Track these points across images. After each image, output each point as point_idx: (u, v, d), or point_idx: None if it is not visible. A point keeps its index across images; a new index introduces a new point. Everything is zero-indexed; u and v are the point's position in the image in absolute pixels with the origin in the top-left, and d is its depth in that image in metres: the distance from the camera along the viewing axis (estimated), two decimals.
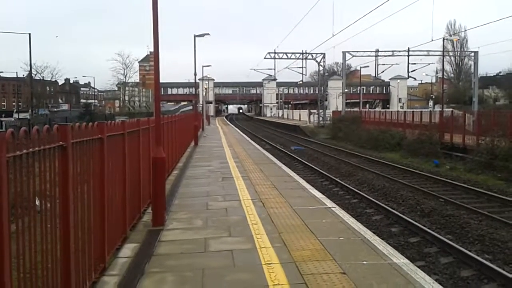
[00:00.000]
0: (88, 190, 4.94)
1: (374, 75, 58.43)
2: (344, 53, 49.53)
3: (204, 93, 66.97)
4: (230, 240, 6.72)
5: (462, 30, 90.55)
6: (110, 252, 5.85)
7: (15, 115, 58.12)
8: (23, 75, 70.88)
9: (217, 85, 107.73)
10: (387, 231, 10.62)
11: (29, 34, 43.69)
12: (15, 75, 71.87)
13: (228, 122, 71.58)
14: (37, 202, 3.62)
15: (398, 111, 42.08)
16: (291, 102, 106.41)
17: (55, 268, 3.86)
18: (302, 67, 56.94)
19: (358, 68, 69.14)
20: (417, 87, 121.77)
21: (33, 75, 59.36)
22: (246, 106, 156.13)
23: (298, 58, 55.68)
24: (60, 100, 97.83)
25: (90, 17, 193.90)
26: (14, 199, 3.18)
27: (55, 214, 3.92)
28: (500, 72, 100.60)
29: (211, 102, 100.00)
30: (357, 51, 51.00)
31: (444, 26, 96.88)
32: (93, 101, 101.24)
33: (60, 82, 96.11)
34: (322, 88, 58.32)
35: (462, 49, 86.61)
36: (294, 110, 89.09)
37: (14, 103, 79.59)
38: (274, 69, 58.76)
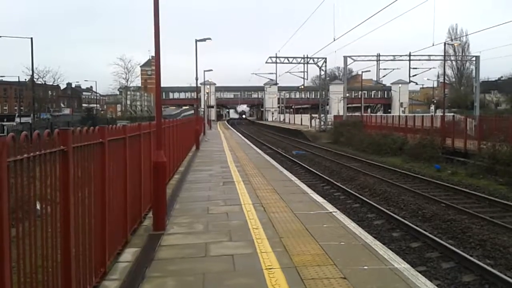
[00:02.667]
0: (89, 194, 4.95)
1: (375, 79, 58.30)
2: (345, 57, 49.52)
3: (205, 98, 67.02)
4: (231, 245, 6.72)
5: (464, 34, 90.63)
6: (111, 256, 5.85)
7: (17, 120, 58.16)
8: (25, 79, 71.15)
9: (219, 89, 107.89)
10: (389, 236, 10.60)
11: (31, 38, 43.72)
12: (17, 80, 72.05)
13: (230, 127, 71.66)
14: (38, 207, 3.63)
15: (399, 115, 42.05)
16: (293, 107, 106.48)
17: (56, 272, 3.86)
18: (304, 72, 56.91)
19: (360, 72, 69.02)
20: (418, 91, 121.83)
21: (35, 79, 59.49)
22: (248, 109, 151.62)
23: (299, 63, 55.68)
24: (62, 105, 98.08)
25: (91, 21, 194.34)
26: (14, 203, 3.19)
27: (55, 219, 3.93)
28: (501, 77, 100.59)
29: (212, 107, 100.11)
30: (359, 56, 50.99)
31: (445, 31, 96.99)
32: (95, 105, 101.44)
33: (62, 86, 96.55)
34: (323, 92, 58.30)
35: (463, 54, 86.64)
36: (295, 115, 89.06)
37: (16, 108, 79.74)
38: (276, 74, 58.84)
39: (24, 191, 3.31)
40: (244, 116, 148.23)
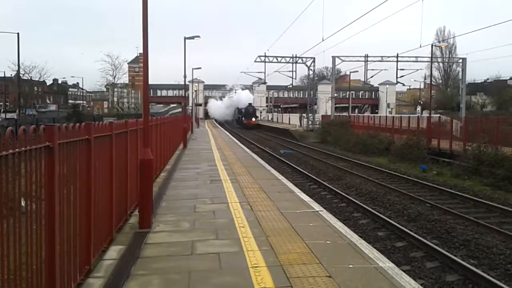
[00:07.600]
0: (75, 191, 4.91)
1: (363, 80, 58.49)
2: (333, 57, 49.63)
3: (193, 96, 66.77)
4: (217, 243, 6.71)
5: (451, 36, 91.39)
6: (96, 254, 5.81)
7: (2, 115, 57.39)
8: (11, 74, 70.19)
9: (207, 87, 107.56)
10: (374, 235, 10.67)
11: (18, 33, 43.27)
12: (2, 75, 71.07)
13: (217, 125, 71.52)
14: (23, 203, 3.59)
15: (386, 116, 42.32)
16: (281, 106, 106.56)
17: (40, 269, 3.84)
18: (292, 71, 56.86)
19: (348, 73, 69.23)
20: (405, 92, 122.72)
21: (21, 75, 58.80)
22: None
23: (288, 62, 55.65)
24: (48, 101, 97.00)
25: (79, 18, 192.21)
26: None
27: (40, 215, 3.90)
28: (487, 79, 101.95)
29: (200, 105, 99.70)
30: (347, 56, 51.05)
31: (433, 33, 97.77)
32: (82, 102, 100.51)
33: (48, 82, 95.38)
34: (311, 92, 58.45)
35: (450, 56, 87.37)
36: (283, 114, 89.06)
37: (1, 103, 78.66)
38: (264, 73, 58.62)
39: (8, 187, 3.28)
40: (253, 119, 78.57)
